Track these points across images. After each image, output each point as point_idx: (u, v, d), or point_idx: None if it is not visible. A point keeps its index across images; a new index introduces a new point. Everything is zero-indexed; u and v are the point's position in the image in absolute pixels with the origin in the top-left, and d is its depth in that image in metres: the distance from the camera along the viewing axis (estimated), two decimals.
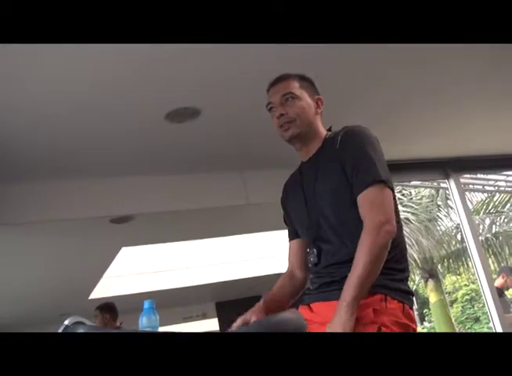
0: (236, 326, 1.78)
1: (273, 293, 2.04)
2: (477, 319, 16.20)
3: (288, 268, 2.13)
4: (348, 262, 1.74)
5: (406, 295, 1.81)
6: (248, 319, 1.80)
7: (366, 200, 1.79)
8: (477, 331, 15.32)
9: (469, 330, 15.96)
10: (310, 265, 1.95)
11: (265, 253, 8.98)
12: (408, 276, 1.88)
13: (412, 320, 1.78)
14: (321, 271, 1.89)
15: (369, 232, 1.74)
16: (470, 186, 10.90)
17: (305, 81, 2.03)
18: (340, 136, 1.90)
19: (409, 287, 1.87)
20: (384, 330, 1.67)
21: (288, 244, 2.16)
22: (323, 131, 2.02)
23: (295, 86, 1.99)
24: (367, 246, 1.71)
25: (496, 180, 11.22)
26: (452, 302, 16.83)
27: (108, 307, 5.05)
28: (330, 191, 1.88)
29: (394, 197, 1.89)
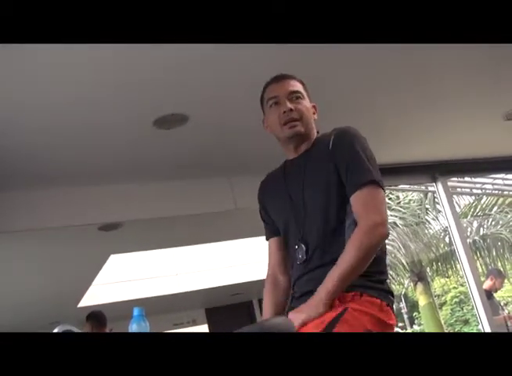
0: None
1: (274, 305, 2.02)
2: (466, 322, 16.27)
3: (269, 271, 2.12)
4: (332, 264, 1.76)
5: (384, 293, 1.81)
6: None
7: (361, 200, 1.81)
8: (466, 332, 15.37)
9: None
10: (298, 262, 1.92)
11: (254, 258, 8.97)
12: (386, 279, 1.89)
13: (390, 317, 1.78)
14: (306, 276, 1.89)
15: (363, 231, 1.75)
16: (458, 190, 10.95)
17: (305, 85, 2.05)
18: (332, 137, 1.92)
19: (388, 287, 1.87)
20: (349, 311, 1.69)
21: (268, 244, 2.15)
22: (315, 134, 2.04)
23: (300, 87, 2.01)
24: (358, 244, 1.74)
25: (483, 183, 11.28)
26: (442, 305, 16.88)
27: (95, 316, 5.02)
28: (320, 190, 1.89)
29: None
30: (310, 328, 1.64)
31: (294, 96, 1.97)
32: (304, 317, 1.70)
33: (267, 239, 2.15)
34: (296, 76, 2.04)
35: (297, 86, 2.00)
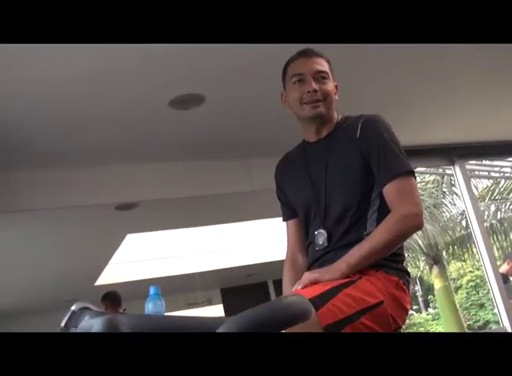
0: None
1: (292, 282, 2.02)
2: (481, 306, 16.21)
3: (288, 251, 2.11)
4: (348, 247, 1.77)
5: (401, 272, 1.81)
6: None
7: (397, 189, 1.80)
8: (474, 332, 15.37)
9: (474, 317, 16.01)
10: (317, 248, 1.91)
11: (270, 239, 8.99)
12: (403, 260, 1.89)
13: (405, 297, 1.78)
14: (327, 257, 1.88)
15: (398, 217, 1.75)
16: (476, 173, 10.86)
17: (330, 64, 2.00)
18: (360, 124, 1.89)
19: (404, 267, 1.87)
20: (364, 279, 1.69)
21: (286, 225, 2.14)
22: (336, 116, 2.01)
23: (327, 66, 1.97)
24: (391, 228, 1.74)
25: (502, 166, 11.15)
26: (457, 289, 16.82)
27: (109, 296, 5.09)
28: (344, 177, 1.87)
29: None
30: (317, 287, 1.63)
31: (320, 76, 1.92)
32: (315, 276, 1.70)
33: (284, 220, 2.15)
34: (323, 54, 1.99)
35: (323, 65, 1.95)
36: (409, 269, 1.89)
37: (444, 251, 12.96)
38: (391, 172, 1.81)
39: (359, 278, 1.69)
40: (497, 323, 5.12)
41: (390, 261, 1.79)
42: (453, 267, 16.74)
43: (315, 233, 1.92)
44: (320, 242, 1.90)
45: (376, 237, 1.73)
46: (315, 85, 1.90)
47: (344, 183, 1.87)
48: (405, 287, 1.79)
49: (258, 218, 7.20)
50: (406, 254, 2.22)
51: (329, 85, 1.94)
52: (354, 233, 1.82)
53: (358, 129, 1.88)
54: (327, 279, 1.67)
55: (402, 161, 1.83)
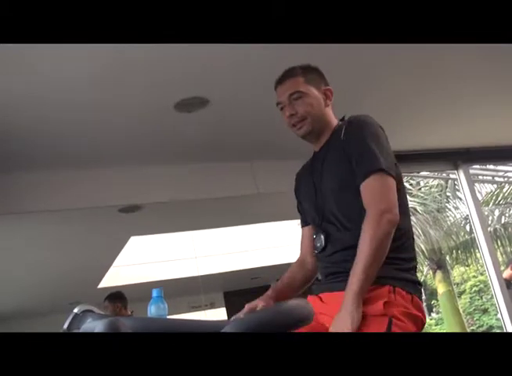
0: (243, 313, 1.80)
1: (283, 281, 2.07)
2: (485, 311, 16.17)
3: (300, 255, 2.16)
4: (351, 248, 1.77)
5: (414, 285, 1.82)
6: (255, 307, 1.82)
7: (367, 189, 1.81)
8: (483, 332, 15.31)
9: (477, 322, 15.96)
10: (316, 251, 1.97)
11: (273, 243, 8.99)
12: (415, 266, 1.89)
13: (421, 311, 1.80)
14: (326, 260, 1.92)
15: (370, 221, 1.76)
16: (480, 177, 10.84)
17: (311, 73, 2.04)
18: (344, 127, 1.94)
19: (416, 276, 1.88)
20: (394, 321, 1.68)
21: (301, 231, 2.19)
22: (335, 122, 2.05)
23: (300, 82, 2.00)
24: (369, 235, 1.73)
25: (506, 171, 11.15)
26: (461, 293, 16.78)
27: (117, 296, 5.07)
28: (334, 179, 1.92)
29: (400, 185, 1.90)
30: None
31: (295, 97, 1.98)
32: (350, 328, 1.64)
33: (301, 227, 2.20)
34: (297, 68, 2.03)
35: (296, 85, 1.99)
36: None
37: (447, 256, 12.93)
38: (363, 172, 1.83)
39: (390, 322, 1.67)
40: (500, 328, 5.10)
41: (401, 271, 1.80)
42: (457, 272, 16.69)
43: (314, 236, 1.99)
44: (318, 244, 1.95)
45: (361, 254, 1.72)
46: (291, 110, 1.98)
47: (335, 187, 1.91)
48: (419, 301, 1.81)
49: (262, 222, 7.21)
50: None
51: (307, 102, 1.98)
52: (350, 235, 1.83)
53: (343, 131, 1.93)
54: (357, 323, 1.64)
55: (374, 160, 1.83)
